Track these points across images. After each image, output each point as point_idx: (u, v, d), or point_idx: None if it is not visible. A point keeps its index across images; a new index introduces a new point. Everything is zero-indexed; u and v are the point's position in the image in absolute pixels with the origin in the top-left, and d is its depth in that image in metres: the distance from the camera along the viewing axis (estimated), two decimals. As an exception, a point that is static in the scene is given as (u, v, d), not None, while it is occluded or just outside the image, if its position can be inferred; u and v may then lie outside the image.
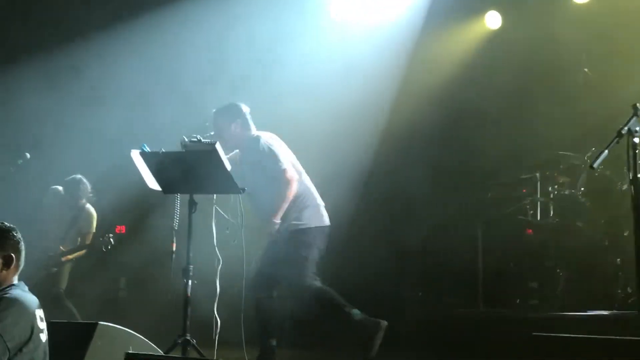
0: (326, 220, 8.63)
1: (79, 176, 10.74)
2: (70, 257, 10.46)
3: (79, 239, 10.62)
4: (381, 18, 11.08)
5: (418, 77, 11.02)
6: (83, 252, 10.56)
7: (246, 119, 8.56)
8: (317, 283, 8.39)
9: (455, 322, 9.95)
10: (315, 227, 8.49)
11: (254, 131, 8.57)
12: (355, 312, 8.32)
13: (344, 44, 10.97)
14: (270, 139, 8.54)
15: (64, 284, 10.45)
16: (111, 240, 10.20)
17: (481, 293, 10.31)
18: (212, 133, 8.42)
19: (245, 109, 8.61)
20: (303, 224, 8.44)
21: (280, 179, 8.30)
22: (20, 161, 9.69)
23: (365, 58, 10.83)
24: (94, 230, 10.60)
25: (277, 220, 8.27)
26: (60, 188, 10.76)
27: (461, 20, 11.42)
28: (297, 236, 8.37)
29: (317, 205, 8.61)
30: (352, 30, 11.05)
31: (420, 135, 10.93)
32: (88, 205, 10.69)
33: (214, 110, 8.67)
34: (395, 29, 10.98)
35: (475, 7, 11.42)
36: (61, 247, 10.43)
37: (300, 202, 8.48)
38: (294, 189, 8.37)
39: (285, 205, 8.32)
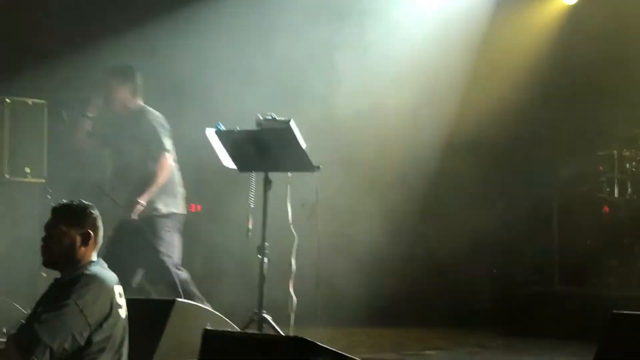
0: (184, 210, 8.48)
1: None
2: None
3: None
4: (448, 3, 10.88)
5: (491, 59, 10.86)
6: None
7: (137, 86, 8.38)
8: (183, 273, 8.23)
9: (530, 300, 9.89)
10: (180, 214, 8.31)
11: (141, 102, 8.41)
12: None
13: (411, 31, 10.79)
14: (158, 116, 8.35)
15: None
16: None
17: (557, 271, 10.21)
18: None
19: (139, 77, 8.41)
20: (171, 211, 8.26)
21: (158, 160, 8.17)
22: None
23: (434, 43, 10.67)
24: None
25: (143, 203, 8.08)
26: None
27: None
28: (165, 221, 8.22)
29: (182, 193, 8.44)
30: (418, 18, 10.86)
31: (495, 113, 10.77)
32: None
33: (106, 68, 8.58)
34: (464, 11, 10.80)
35: (551, -18, 11.24)
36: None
37: (170, 189, 8.32)
38: (167, 175, 8.22)
39: (155, 190, 8.13)
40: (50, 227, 5.11)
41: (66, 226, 5.07)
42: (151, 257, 8.10)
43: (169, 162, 8.22)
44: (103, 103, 8.37)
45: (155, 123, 8.25)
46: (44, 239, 5.11)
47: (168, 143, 8.22)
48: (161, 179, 8.15)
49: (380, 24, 10.62)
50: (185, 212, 8.49)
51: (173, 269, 8.11)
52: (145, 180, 8.13)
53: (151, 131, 8.22)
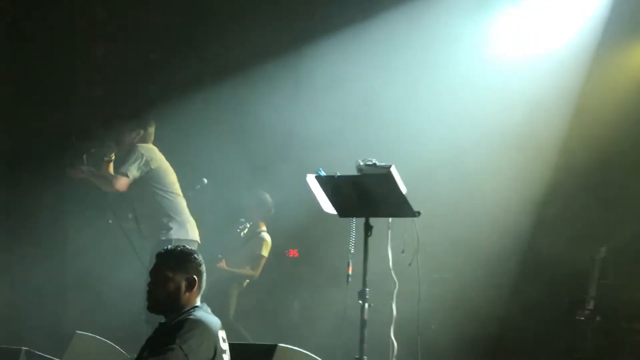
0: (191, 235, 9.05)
1: (260, 193, 10.79)
2: (227, 267, 10.42)
3: (250, 264, 10.57)
4: (548, 46, 10.70)
5: (593, 104, 10.62)
6: (249, 273, 10.53)
7: (147, 134, 9.09)
8: None
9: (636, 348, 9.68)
10: (179, 239, 8.72)
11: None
12: None
13: (507, 74, 10.68)
14: (148, 150, 8.98)
15: (231, 310, 10.48)
16: (247, 224, 10.44)
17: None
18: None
19: (151, 126, 9.15)
20: (178, 237, 8.78)
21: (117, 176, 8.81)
22: (198, 186, 9.83)
23: (532, 87, 10.54)
24: (265, 255, 10.57)
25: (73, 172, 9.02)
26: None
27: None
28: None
29: (184, 221, 9.03)
30: (516, 59, 10.73)
31: (598, 163, 10.50)
32: (264, 234, 10.66)
33: (122, 115, 9.39)
34: (564, 54, 10.61)
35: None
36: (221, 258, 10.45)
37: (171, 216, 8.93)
38: (111, 189, 8.85)
39: (93, 176, 8.94)
40: (155, 273, 5.20)
41: (171, 271, 5.16)
42: None
43: (122, 183, 8.78)
44: (115, 145, 9.12)
45: (134, 153, 8.89)
46: (149, 284, 5.19)
47: (132, 170, 8.80)
48: (105, 184, 8.91)
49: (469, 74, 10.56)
50: (187, 238, 8.96)
51: None
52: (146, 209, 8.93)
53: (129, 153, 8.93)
